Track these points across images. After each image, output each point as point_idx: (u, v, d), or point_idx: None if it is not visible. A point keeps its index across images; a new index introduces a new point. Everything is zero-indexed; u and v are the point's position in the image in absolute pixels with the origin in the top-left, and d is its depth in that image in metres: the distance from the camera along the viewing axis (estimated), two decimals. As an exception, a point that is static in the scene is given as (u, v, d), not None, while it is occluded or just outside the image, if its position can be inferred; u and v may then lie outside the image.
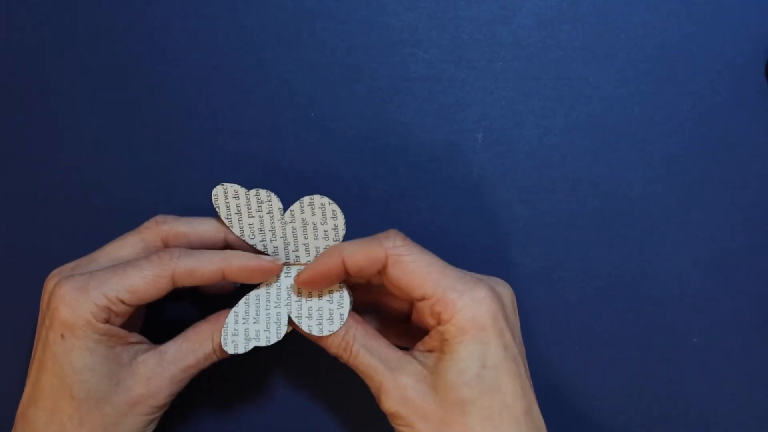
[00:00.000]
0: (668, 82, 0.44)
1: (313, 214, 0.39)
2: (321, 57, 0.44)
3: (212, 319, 0.39)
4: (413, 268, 0.36)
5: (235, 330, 0.39)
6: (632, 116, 0.44)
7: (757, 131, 0.43)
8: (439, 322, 0.36)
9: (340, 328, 0.38)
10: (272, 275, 0.39)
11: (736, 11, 0.43)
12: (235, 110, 0.44)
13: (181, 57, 0.44)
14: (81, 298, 0.36)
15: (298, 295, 0.39)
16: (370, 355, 0.37)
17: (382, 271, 0.37)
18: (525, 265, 0.44)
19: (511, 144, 0.44)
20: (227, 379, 0.44)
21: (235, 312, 0.39)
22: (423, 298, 0.36)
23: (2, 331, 0.45)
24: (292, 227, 0.39)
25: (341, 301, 0.38)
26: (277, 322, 0.39)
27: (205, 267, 0.37)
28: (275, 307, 0.39)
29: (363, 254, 0.37)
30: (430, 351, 0.37)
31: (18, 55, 0.45)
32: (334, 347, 0.38)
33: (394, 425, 0.37)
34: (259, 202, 0.39)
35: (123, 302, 0.36)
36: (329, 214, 0.39)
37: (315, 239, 0.39)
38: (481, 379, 0.35)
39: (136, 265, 0.37)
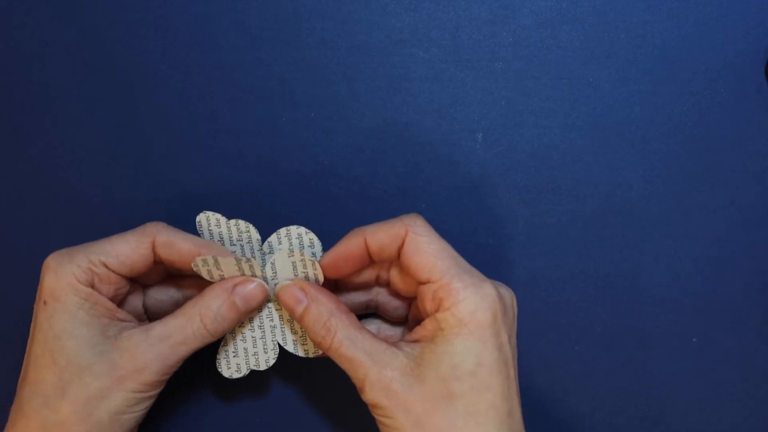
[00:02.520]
0: (668, 82, 0.44)
1: (290, 244, 0.39)
2: (321, 57, 0.44)
3: (197, 296, 0.38)
4: (426, 249, 0.37)
5: (225, 353, 0.40)
6: (632, 116, 0.44)
7: (757, 131, 0.43)
8: (438, 309, 0.36)
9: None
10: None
11: (736, 11, 0.43)
12: (235, 110, 0.44)
13: (181, 57, 0.44)
14: (64, 262, 0.37)
15: (281, 320, 0.40)
16: (354, 347, 0.36)
17: (400, 249, 0.38)
18: (525, 265, 0.44)
19: (511, 144, 0.44)
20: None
21: (228, 338, 0.40)
22: (428, 281, 0.37)
23: (2, 331, 0.45)
24: (271, 258, 0.39)
25: None
26: (271, 349, 0.40)
27: (185, 242, 0.38)
28: (266, 332, 0.40)
29: (385, 232, 0.37)
30: (418, 341, 0.37)
31: (18, 55, 0.45)
32: (314, 332, 0.37)
33: (374, 414, 0.37)
34: (239, 231, 0.39)
35: (106, 266, 0.37)
36: (306, 243, 0.39)
37: (293, 269, 0.39)
38: (474, 375, 0.35)
39: (120, 234, 0.38)
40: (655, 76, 0.44)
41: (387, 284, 0.41)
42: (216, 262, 0.37)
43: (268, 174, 0.44)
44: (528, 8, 0.44)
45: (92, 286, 0.37)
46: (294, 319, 0.38)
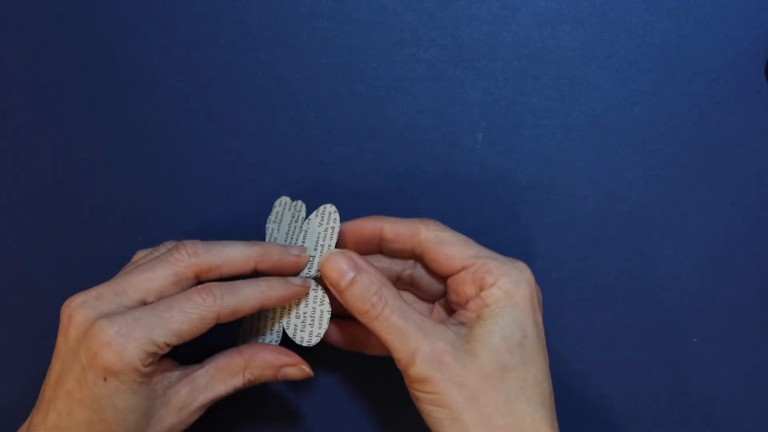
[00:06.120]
0: (668, 82, 0.44)
1: (322, 220, 0.40)
2: (321, 57, 0.44)
3: (247, 352, 0.39)
4: (453, 241, 0.38)
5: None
6: (632, 116, 0.44)
7: (757, 131, 0.43)
8: (481, 288, 0.37)
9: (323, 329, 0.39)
10: (302, 296, 0.40)
11: (736, 11, 0.43)
12: (235, 110, 0.44)
13: (181, 57, 0.44)
14: (129, 346, 0.35)
15: (289, 308, 0.40)
16: (404, 318, 0.36)
17: (418, 248, 0.39)
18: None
19: (511, 144, 0.44)
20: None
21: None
22: (463, 268, 0.37)
23: (1, 332, 0.45)
24: (304, 235, 0.40)
25: (320, 300, 0.40)
26: (275, 331, 0.41)
27: (247, 304, 0.37)
28: (275, 318, 0.41)
29: (403, 224, 0.39)
30: (462, 324, 0.37)
31: (18, 55, 0.45)
32: (362, 302, 0.36)
33: (417, 392, 0.36)
34: (295, 210, 0.42)
35: (169, 345, 0.36)
36: (332, 221, 0.40)
37: (316, 240, 0.40)
38: (523, 347, 0.36)
39: (180, 307, 0.36)
40: (655, 76, 0.44)
41: (408, 286, 0.41)
42: (281, 219, 0.42)
43: (268, 174, 0.44)
44: (528, 8, 0.44)
45: (152, 364, 0.36)
46: (336, 289, 0.37)
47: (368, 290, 0.36)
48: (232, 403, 0.44)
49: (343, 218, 0.41)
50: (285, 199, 0.42)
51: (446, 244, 0.38)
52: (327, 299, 0.39)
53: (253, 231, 0.43)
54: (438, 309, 0.41)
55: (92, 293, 0.37)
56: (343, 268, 0.37)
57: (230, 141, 0.44)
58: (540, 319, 0.37)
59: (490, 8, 0.44)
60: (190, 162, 0.44)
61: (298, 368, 0.39)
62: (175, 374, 0.38)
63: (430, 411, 0.36)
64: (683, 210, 0.44)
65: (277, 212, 0.42)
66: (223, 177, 0.44)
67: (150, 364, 0.35)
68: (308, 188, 0.44)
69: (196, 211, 0.44)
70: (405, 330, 0.35)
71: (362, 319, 0.36)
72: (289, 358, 0.39)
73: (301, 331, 0.40)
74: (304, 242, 0.40)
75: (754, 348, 0.44)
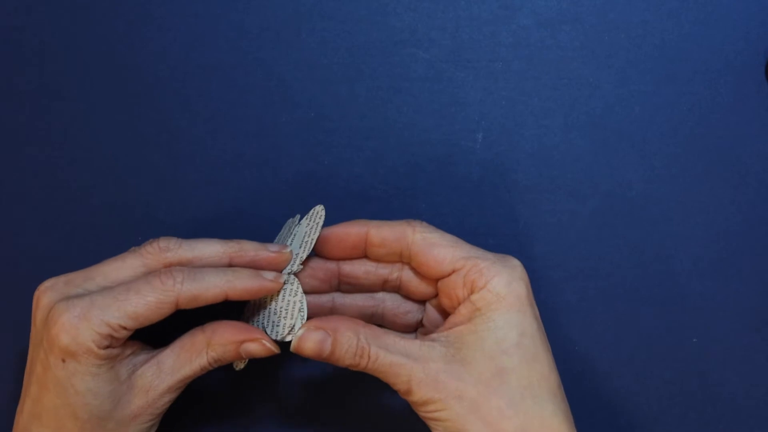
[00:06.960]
0: (668, 82, 0.44)
1: (310, 221, 0.40)
2: (321, 57, 0.44)
3: (209, 329, 0.38)
4: (442, 242, 0.37)
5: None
6: (632, 116, 0.44)
7: (757, 131, 0.43)
8: (472, 291, 0.36)
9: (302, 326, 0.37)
10: (274, 292, 0.39)
11: (736, 11, 0.43)
12: (235, 110, 0.44)
13: (181, 57, 0.44)
14: (82, 327, 0.35)
15: (267, 306, 0.40)
16: (390, 353, 0.35)
17: (405, 252, 0.38)
18: (525, 265, 0.44)
19: (511, 144, 0.44)
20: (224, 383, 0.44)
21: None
22: (453, 271, 0.37)
23: (1, 333, 0.45)
24: (293, 237, 0.40)
25: (294, 291, 0.39)
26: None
27: (209, 292, 0.36)
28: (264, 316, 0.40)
29: (390, 227, 0.38)
30: (451, 329, 0.36)
31: (18, 55, 0.45)
32: (348, 358, 0.36)
33: (423, 413, 0.36)
34: (293, 221, 0.41)
35: (125, 328, 0.36)
36: (316, 217, 0.40)
37: (300, 241, 0.39)
38: (521, 347, 0.35)
39: (137, 290, 0.36)
40: (655, 76, 0.44)
41: (396, 289, 0.41)
42: (280, 235, 0.41)
43: (268, 174, 0.44)
44: (528, 8, 0.44)
45: (109, 346, 0.36)
46: (322, 359, 0.37)
47: (350, 346, 0.36)
48: (227, 402, 0.44)
49: (343, 218, 0.41)
50: (289, 220, 0.42)
51: (435, 247, 0.37)
52: (301, 290, 0.39)
53: (254, 231, 0.43)
54: (430, 309, 0.41)
55: (62, 278, 0.37)
56: (318, 339, 0.36)
57: (230, 141, 0.44)
58: (537, 314, 0.37)
59: (490, 8, 0.44)
60: (190, 162, 0.44)
61: (258, 343, 0.37)
62: (141, 358, 0.38)
63: (436, 426, 0.36)
64: (683, 210, 0.44)
65: (281, 232, 0.42)
66: (223, 177, 0.44)
67: (107, 346, 0.35)
68: (308, 188, 0.44)
69: (196, 211, 0.44)
70: (394, 363, 0.35)
71: (353, 369, 0.36)
72: (249, 333, 0.37)
73: (277, 325, 0.40)
74: (291, 243, 0.40)
75: (754, 348, 0.44)
